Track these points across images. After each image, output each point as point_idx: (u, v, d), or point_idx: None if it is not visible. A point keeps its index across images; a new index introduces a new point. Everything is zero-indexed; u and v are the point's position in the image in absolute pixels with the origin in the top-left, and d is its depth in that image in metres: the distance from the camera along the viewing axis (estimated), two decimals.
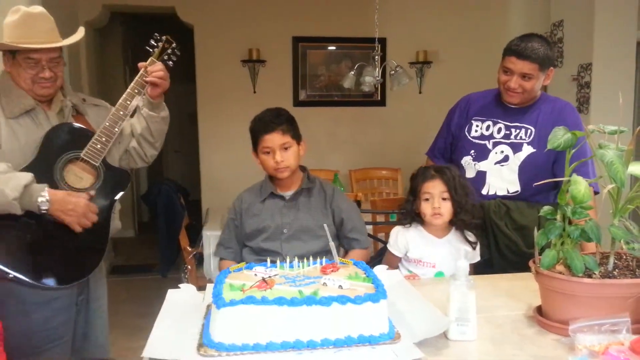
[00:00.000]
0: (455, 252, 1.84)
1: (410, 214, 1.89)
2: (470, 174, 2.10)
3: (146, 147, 1.98)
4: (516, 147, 2.03)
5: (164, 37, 1.92)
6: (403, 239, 1.89)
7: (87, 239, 1.77)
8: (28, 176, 1.63)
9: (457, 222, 1.85)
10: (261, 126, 1.90)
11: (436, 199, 1.82)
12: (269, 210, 1.94)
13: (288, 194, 1.95)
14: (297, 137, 1.93)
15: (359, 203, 2.86)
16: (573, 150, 1.30)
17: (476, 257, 1.90)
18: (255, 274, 1.39)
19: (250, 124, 1.95)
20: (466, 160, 2.10)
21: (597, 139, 1.29)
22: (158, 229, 3.83)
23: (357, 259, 1.65)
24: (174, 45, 1.93)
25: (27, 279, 1.67)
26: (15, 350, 1.72)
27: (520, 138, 2.04)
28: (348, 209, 2.00)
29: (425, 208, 1.84)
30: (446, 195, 1.82)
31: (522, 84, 1.97)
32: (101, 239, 1.83)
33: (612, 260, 1.30)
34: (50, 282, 1.72)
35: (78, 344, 1.88)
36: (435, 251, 1.86)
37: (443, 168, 1.89)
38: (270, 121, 1.89)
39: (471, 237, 1.87)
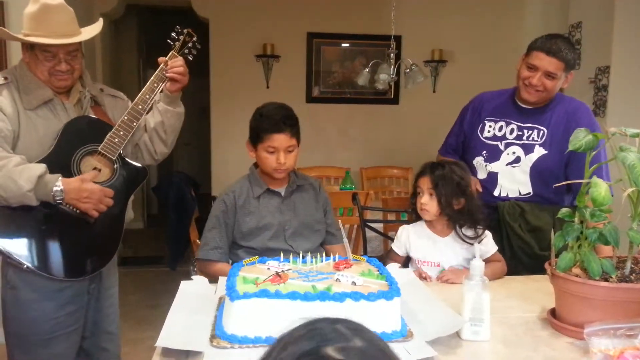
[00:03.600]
0: (459, 250, 1.83)
1: (415, 210, 1.91)
2: (481, 175, 2.08)
3: (157, 143, 1.94)
4: (528, 149, 2.02)
5: (185, 30, 1.90)
6: (405, 237, 1.89)
7: (103, 231, 1.77)
8: (41, 167, 1.62)
9: (450, 219, 1.84)
10: (270, 124, 1.83)
11: (424, 195, 1.83)
12: (267, 208, 1.90)
13: (281, 190, 1.93)
14: (299, 140, 1.89)
15: (354, 197, 2.84)
16: (593, 153, 1.29)
17: (491, 249, 1.85)
18: (269, 268, 1.40)
19: (254, 118, 1.89)
20: (478, 161, 2.09)
21: (617, 142, 1.28)
22: (168, 221, 3.84)
23: (335, 254, 1.59)
24: (194, 38, 1.92)
25: (41, 271, 1.67)
26: (25, 337, 1.73)
27: (533, 139, 2.02)
28: (328, 202, 2.01)
29: (417, 203, 1.86)
30: (432, 191, 1.82)
31: (544, 82, 1.94)
32: (116, 231, 1.83)
33: (629, 264, 1.28)
34: (64, 273, 1.71)
35: (88, 332, 1.89)
36: (438, 250, 1.85)
37: (441, 163, 1.87)
38: (280, 121, 1.82)
39: (469, 232, 1.83)
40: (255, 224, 1.87)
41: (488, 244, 1.84)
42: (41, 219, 1.67)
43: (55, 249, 1.70)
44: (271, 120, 1.83)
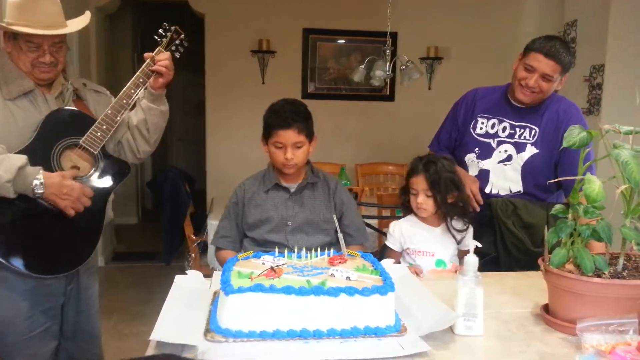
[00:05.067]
0: (453, 239, 1.87)
1: (406, 205, 1.93)
2: (473, 171, 2.10)
3: (140, 141, 1.88)
4: (520, 147, 2.03)
5: (172, 27, 1.87)
6: (399, 232, 1.91)
7: (81, 228, 1.72)
8: (22, 158, 1.56)
9: (443, 213, 1.86)
10: (277, 120, 1.84)
11: (420, 195, 1.85)
12: (273, 202, 1.93)
13: (293, 186, 1.94)
14: (310, 136, 1.89)
15: (356, 195, 2.86)
16: (587, 150, 1.30)
17: (467, 245, 1.88)
18: (263, 263, 1.40)
19: (266, 114, 1.91)
20: (470, 158, 2.10)
21: (611, 140, 1.28)
22: (163, 216, 3.83)
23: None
24: (182, 36, 1.89)
25: (16, 267, 1.62)
26: (1, 338, 1.69)
27: (524, 138, 2.04)
28: (348, 203, 2.00)
29: (412, 202, 1.88)
30: (429, 192, 1.84)
31: (541, 84, 1.95)
32: (95, 229, 1.78)
33: (621, 260, 1.29)
34: (39, 271, 1.66)
35: (69, 333, 1.86)
36: (432, 240, 1.88)
37: (433, 160, 1.88)
38: (288, 117, 1.83)
39: (458, 225, 1.87)
40: (259, 216, 1.92)
41: (470, 238, 1.86)
42: (16, 213, 1.61)
43: (29, 245, 1.65)
44: (279, 116, 1.85)
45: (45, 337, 1.76)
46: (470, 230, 1.90)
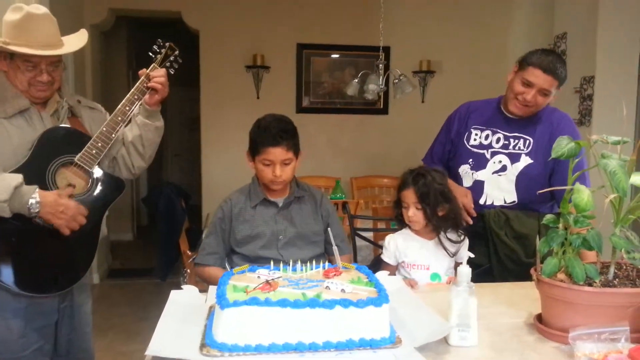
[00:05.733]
0: (445, 254, 1.88)
1: (399, 219, 1.95)
2: (467, 182, 2.10)
3: (135, 157, 1.89)
4: (514, 158, 2.04)
5: (167, 44, 1.89)
6: (394, 246, 1.92)
7: (76, 246, 1.72)
8: (18, 178, 1.57)
9: (435, 227, 1.87)
10: (266, 137, 1.84)
11: (411, 208, 1.87)
12: (262, 217, 1.92)
13: (280, 200, 1.95)
14: (297, 152, 1.91)
15: (344, 207, 2.87)
16: (576, 160, 1.32)
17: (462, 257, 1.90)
18: (259, 277, 1.40)
19: (253, 130, 1.91)
20: (464, 169, 2.11)
21: (600, 150, 1.31)
22: (158, 232, 3.83)
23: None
24: (176, 52, 1.90)
25: (9, 285, 1.62)
26: None
27: (519, 149, 2.05)
28: (333, 214, 2.02)
29: (404, 215, 1.90)
30: (419, 205, 1.86)
31: (537, 99, 1.97)
32: (90, 246, 1.78)
33: (612, 269, 1.31)
34: (33, 289, 1.67)
35: (63, 351, 1.85)
36: (427, 253, 1.89)
37: (422, 173, 1.89)
38: (276, 134, 1.83)
39: (452, 236, 1.89)
40: (249, 232, 1.90)
41: (465, 250, 1.89)
42: (12, 231, 1.61)
43: (24, 264, 1.65)
44: (267, 134, 1.85)
45: (39, 356, 1.74)
46: (466, 242, 1.91)
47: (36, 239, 1.66)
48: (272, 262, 1.51)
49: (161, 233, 3.71)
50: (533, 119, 2.06)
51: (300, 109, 4.93)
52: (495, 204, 2.07)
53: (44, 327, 1.75)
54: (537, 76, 1.93)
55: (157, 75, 1.80)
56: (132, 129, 1.88)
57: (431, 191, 1.84)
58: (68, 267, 1.75)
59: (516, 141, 2.06)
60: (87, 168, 1.73)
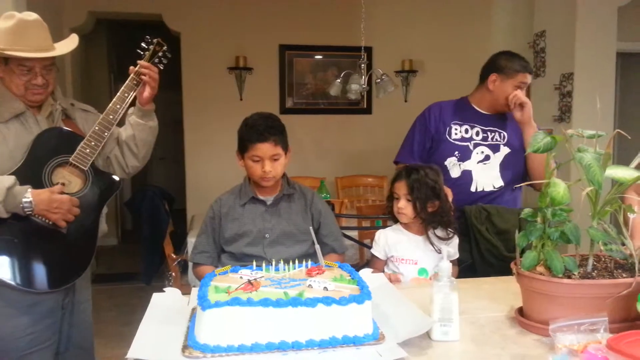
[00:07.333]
0: (432, 250, 1.90)
1: (391, 214, 1.97)
2: (455, 174, 2.20)
3: (129, 157, 1.94)
4: (494, 148, 2.21)
5: (155, 40, 1.92)
6: (384, 240, 1.94)
7: (76, 242, 1.77)
8: (10, 179, 1.62)
9: (424, 222, 1.90)
10: (253, 134, 1.86)
11: (401, 200, 1.90)
12: (250, 215, 1.93)
13: (269, 198, 1.95)
14: (285, 148, 1.92)
15: (333, 207, 2.89)
16: (553, 154, 1.33)
17: (455, 254, 1.93)
18: (241, 277, 1.40)
19: (241, 128, 1.92)
20: (450, 161, 2.20)
21: (576, 144, 1.32)
22: (142, 235, 3.80)
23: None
24: (165, 48, 1.93)
25: (13, 283, 1.66)
26: (1, 354, 1.71)
27: (496, 140, 2.22)
28: (325, 213, 2.02)
29: (394, 206, 1.93)
30: (409, 197, 1.89)
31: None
32: (89, 242, 1.82)
33: (591, 261, 1.32)
34: (37, 285, 1.71)
35: (62, 347, 1.87)
36: (415, 248, 1.91)
37: (416, 168, 1.93)
38: (264, 130, 1.86)
39: (440, 234, 1.90)
40: (237, 230, 1.92)
41: (455, 248, 1.93)
42: (14, 231, 1.67)
43: (28, 262, 1.70)
44: (255, 130, 1.87)
45: (45, 353, 1.77)
46: (455, 240, 1.93)
47: (37, 237, 1.71)
48: (254, 262, 1.51)
49: (145, 236, 3.68)
50: (502, 114, 2.25)
51: (284, 110, 4.92)
52: (485, 189, 2.18)
53: (51, 323, 1.79)
54: (527, 78, 2.19)
55: (147, 67, 1.84)
56: (126, 129, 1.93)
57: (422, 185, 1.88)
58: (70, 262, 1.79)
59: (493, 134, 2.23)
60: (81, 167, 1.77)
